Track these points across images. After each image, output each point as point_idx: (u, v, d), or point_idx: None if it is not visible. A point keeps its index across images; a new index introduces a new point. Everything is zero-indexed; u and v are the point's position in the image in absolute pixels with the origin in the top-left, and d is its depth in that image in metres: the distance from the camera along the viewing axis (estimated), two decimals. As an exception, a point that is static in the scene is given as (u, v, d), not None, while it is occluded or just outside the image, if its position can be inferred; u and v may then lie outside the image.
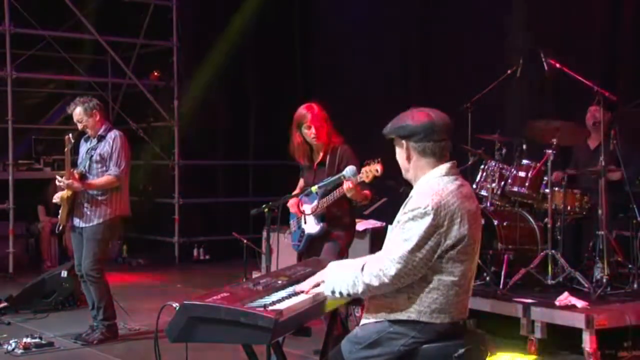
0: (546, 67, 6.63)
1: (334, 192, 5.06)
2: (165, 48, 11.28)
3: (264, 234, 4.39)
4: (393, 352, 3.03)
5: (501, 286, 6.15)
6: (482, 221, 3.25)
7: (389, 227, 3.11)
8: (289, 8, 11.86)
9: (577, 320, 5.41)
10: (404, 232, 2.97)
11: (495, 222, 6.45)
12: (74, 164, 6.38)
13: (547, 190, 6.40)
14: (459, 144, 6.92)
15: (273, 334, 2.78)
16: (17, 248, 9.92)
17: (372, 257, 3.07)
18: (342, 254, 5.18)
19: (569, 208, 6.54)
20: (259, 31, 11.61)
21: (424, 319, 3.01)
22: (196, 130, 11.39)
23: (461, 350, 3.02)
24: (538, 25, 8.42)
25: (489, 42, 8.77)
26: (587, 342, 5.33)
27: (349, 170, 4.62)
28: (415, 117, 3.11)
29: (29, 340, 5.92)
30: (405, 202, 3.06)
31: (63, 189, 6.14)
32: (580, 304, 5.61)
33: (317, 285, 3.19)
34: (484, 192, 6.81)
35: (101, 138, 6.21)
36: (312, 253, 5.15)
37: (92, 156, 6.18)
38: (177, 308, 2.91)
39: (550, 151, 6.34)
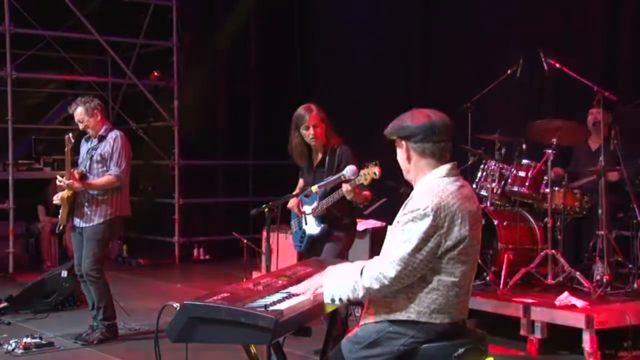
0: (546, 67, 6.63)
1: (334, 194, 5.06)
2: (165, 48, 11.28)
3: (264, 234, 4.39)
4: (393, 352, 3.03)
5: (501, 286, 6.15)
6: (482, 221, 3.24)
7: (389, 227, 3.11)
8: (289, 8, 11.87)
9: (577, 320, 5.41)
10: (404, 234, 2.97)
11: (495, 222, 6.45)
12: (74, 164, 6.38)
13: (547, 190, 6.40)
14: (459, 144, 6.92)
15: (273, 334, 2.78)
16: (17, 248, 9.92)
17: (370, 261, 3.06)
18: (342, 255, 5.18)
19: (569, 208, 6.54)
20: (259, 31, 11.63)
21: (423, 319, 3.01)
22: (196, 130, 11.40)
23: (461, 350, 3.02)
24: (538, 25, 8.42)
25: (489, 42, 8.76)
26: (587, 342, 5.34)
27: (349, 170, 4.62)
28: (415, 118, 3.11)
29: (29, 340, 5.92)
30: (405, 202, 3.06)
31: (63, 189, 6.14)
32: (580, 304, 5.61)
33: (317, 289, 3.18)
34: (484, 192, 6.81)
35: (102, 138, 6.21)
36: (313, 253, 5.15)
37: (92, 156, 6.18)
38: (177, 308, 2.91)
39: (550, 151, 6.34)
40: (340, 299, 3.06)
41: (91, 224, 6.13)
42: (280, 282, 3.36)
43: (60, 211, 6.26)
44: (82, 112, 6.19)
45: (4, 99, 9.82)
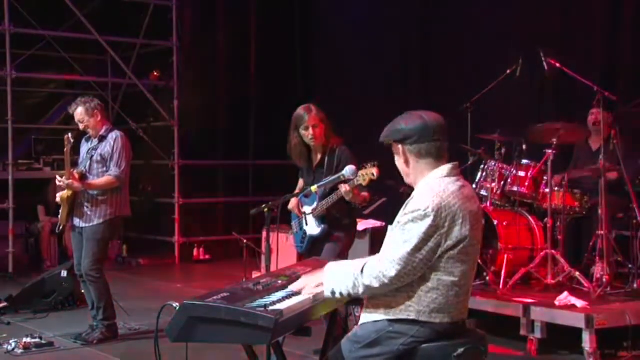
0: (546, 67, 6.63)
1: (333, 194, 5.06)
2: (165, 48, 11.28)
3: (264, 234, 4.39)
4: (392, 352, 3.03)
5: (501, 286, 6.15)
6: (483, 221, 3.24)
7: (389, 227, 3.11)
8: (289, 8, 11.87)
9: (577, 320, 5.41)
10: (404, 234, 2.97)
11: (495, 222, 6.45)
12: (74, 164, 6.38)
13: (547, 190, 6.40)
14: (459, 144, 6.93)
15: (273, 334, 2.78)
16: (17, 248, 9.92)
17: (371, 258, 3.07)
18: (342, 256, 5.18)
19: (569, 208, 6.54)
20: (259, 31, 11.63)
21: (423, 318, 3.01)
22: (196, 130, 11.40)
23: (461, 350, 3.02)
24: (538, 25, 8.42)
25: (489, 42, 8.77)
26: (587, 342, 5.34)
27: (349, 170, 4.61)
28: (408, 120, 3.11)
29: (29, 340, 5.93)
30: (406, 202, 3.06)
31: (63, 189, 6.14)
32: (580, 303, 5.61)
33: (317, 287, 3.18)
34: (483, 192, 6.81)
35: (102, 138, 6.21)
36: (314, 254, 5.15)
37: (92, 156, 6.18)
38: (177, 308, 2.91)
39: (550, 151, 6.34)
40: (341, 293, 3.06)
41: (91, 224, 6.13)
42: (280, 282, 3.36)
43: (60, 211, 6.26)
44: (82, 112, 6.19)
45: (4, 99, 9.82)
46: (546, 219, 6.37)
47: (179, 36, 11.16)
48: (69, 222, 6.25)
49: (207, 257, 11.07)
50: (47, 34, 10.48)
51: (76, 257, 6.29)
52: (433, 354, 3.01)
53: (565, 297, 5.69)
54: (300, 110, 5.27)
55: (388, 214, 5.50)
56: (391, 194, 6.82)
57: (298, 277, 3.39)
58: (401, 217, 3.02)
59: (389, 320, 3.04)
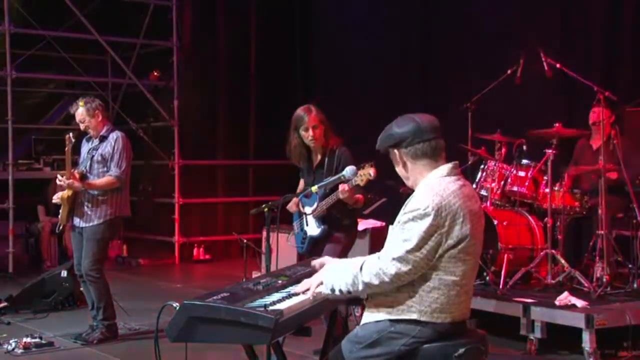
0: (546, 67, 6.63)
1: (333, 195, 5.05)
2: (165, 48, 11.28)
3: (264, 234, 4.39)
4: (393, 352, 3.03)
5: (501, 286, 6.15)
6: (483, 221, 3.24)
7: (390, 227, 3.11)
8: (289, 8, 11.87)
9: (577, 320, 5.41)
10: (404, 233, 2.97)
11: (495, 222, 6.45)
12: (75, 164, 6.38)
13: (547, 190, 6.40)
14: (459, 144, 6.93)
15: (273, 334, 2.78)
16: (17, 248, 9.93)
17: (371, 257, 3.07)
18: (342, 256, 5.16)
19: (569, 208, 6.54)
20: (259, 31, 11.63)
21: (424, 318, 3.01)
22: (196, 130, 11.40)
23: (461, 350, 3.02)
24: (538, 25, 8.42)
25: (489, 42, 8.77)
26: (587, 342, 5.34)
27: (349, 170, 4.60)
28: (399, 124, 3.12)
29: (29, 340, 5.93)
30: (407, 202, 3.06)
31: (64, 189, 6.14)
32: (580, 303, 5.61)
33: (318, 286, 3.18)
34: (484, 192, 6.81)
35: (103, 138, 6.21)
36: (314, 254, 5.13)
37: (93, 156, 6.18)
38: (177, 308, 2.91)
39: (550, 151, 6.34)
40: (340, 290, 3.06)
41: (91, 224, 6.13)
42: (280, 282, 3.36)
43: (60, 211, 6.26)
44: (83, 112, 6.19)
45: (4, 99, 9.82)
46: (546, 218, 6.37)
47: (179, 36, 11.16)
48: (69, 222, 6.25)
49: (207, 257, 11.08)
50: (47, 34, 10.49)
51: (76, 257, 6.29)
52: (434, 354, 3.01)
53: (565, 297, 5.69)
54: (299, 111, 5.25)
55: (388, 214, 5.49)
56: (391, 194, 6.82)
57: (298, 277, 3.39)
58: (401, 216, 3.02)
59: (390, 321, 3.04)
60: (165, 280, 9.52)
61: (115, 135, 6.22)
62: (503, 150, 6.86)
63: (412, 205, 2.99)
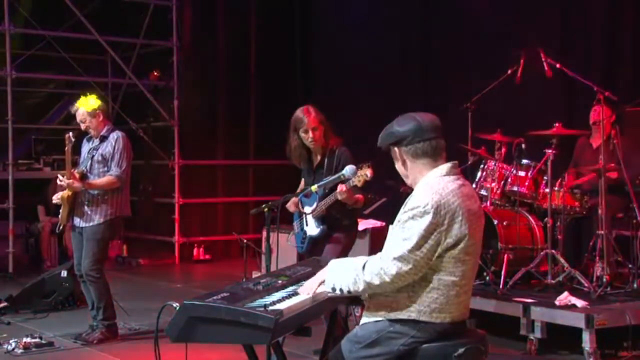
0: (546, 67, 6.63)
1: (330, 195, 5.05)
2: (165, 48, 11.28)
3: (264, 234, 4.39)
4: (393, 352, 3.03)
5: (501, 286, 6.15)
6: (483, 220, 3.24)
7: (390, 226, 3.11)
8: (289, 8, 11.87)
9: (577, 320, 5.41)
10: (404, 231, 2.97)
11: (495, 222, 6.45)
12: (75, 164, 6.38)
13: (547, 190, 6.40)
14: (459, 143, 6.93)
15: (273, 334, 2.78)
16: (17, 248, 9.93)
17: (373, 257, 3.07)
18: (342, 256, 5.16)
19: (569, 208, 6.54)
20: (259, 31, 11.63)
21: (423, 318, 3.01)
22: (196, 130, 11.40)
23: (461, 350, 3.02)
24: (538, 25, 8.42)
25: (489, 42, 8.77)
26: (587, 342, 5.34)
27: (349, 169, 4.60)
28: (400, 123, 3.12)
29: (29, 340, 5.92)
30: (406, 201, 3.06)
31: (64, 188, 6.14)
32: (580, 303, 5.61)
33: (320, 285, 3.19)
34: (483, 192, 6.81)
35: (103, 138, 6.21)
36: (314, 254, 5.14)
37: (93, 156, 6.18)
38: (177, 308, 2.92)
39: (550, 151, 6.34)
40: (341, 289, 3.07)
41: (91, 224, 6.13)
42: (280, 282, 3.36)
43: (61, 211, 6.26)
44: (84, 112, 6.19)
45: (4, 99, 9.82)
46: (546, 218, 6.37)
47: (179, 36, 11.16)
48: (69, 222, 6.25)
49: (207, 257, 11.08)
50: (47, 34, 10.49)
51: (76, 257, 6.29)
52: (433, 354, 3.02)
53: (565, 297, 5.69)
54: (299, 113, 5.23)
55: (388, 214, 5.48)
56: (391, 194, 6.82)
57: (298, 277, 3.39)
58: (401, 214, 3.03)
59: (390, 320, 3.04)
60: (165, 280, 9.52)
61: (115, 135, 6.22)
62: (503, 150, 6.87)
63: (411, 204, 3.00)
